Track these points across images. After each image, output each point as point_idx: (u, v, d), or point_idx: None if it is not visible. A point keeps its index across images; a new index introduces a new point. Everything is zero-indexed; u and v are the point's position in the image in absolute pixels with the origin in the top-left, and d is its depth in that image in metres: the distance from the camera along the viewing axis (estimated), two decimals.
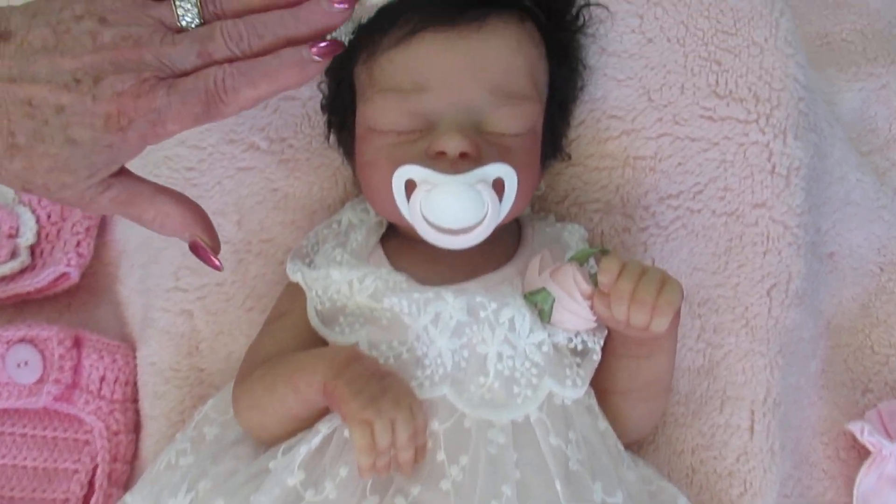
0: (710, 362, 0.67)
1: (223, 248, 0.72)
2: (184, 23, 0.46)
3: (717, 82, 0.67)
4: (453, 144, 0.54)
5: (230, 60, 0.46)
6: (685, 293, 0.55)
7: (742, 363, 0.66)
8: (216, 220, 0.72)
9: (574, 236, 0.64)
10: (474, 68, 0.55)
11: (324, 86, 0.67)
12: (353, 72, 0.61)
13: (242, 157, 0.71)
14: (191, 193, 0.71)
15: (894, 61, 0.84)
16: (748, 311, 0.66)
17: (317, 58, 0.47)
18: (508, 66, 0.56)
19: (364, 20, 0.58)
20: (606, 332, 0.59)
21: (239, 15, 0.47)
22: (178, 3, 0.46)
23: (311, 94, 0.70)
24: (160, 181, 0.72)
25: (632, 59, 0.67)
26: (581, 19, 0.64)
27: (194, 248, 0.51)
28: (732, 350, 0.66)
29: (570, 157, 0.68)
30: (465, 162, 0.54)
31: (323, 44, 0.47)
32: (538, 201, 0.71)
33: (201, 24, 0.47)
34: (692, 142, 0.67)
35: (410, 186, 0.55)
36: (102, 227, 0.78)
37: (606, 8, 0.66)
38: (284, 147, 0.71)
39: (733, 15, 0.67)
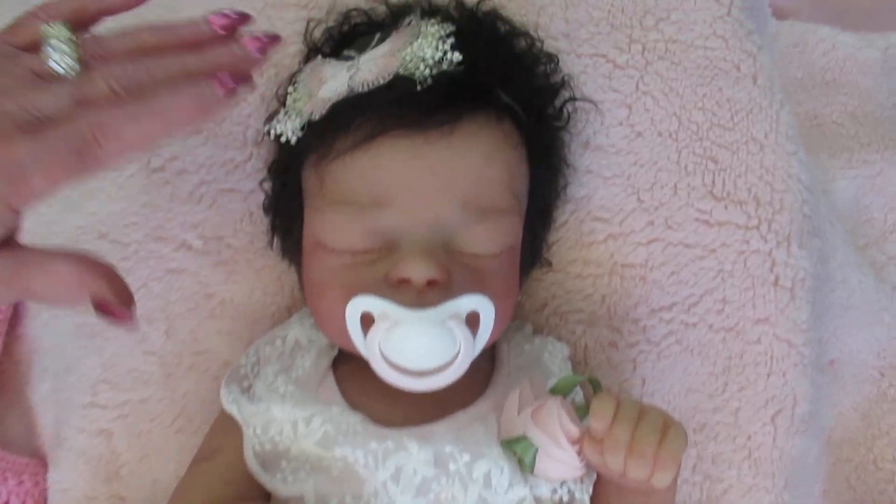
0: (708, 498, 0.59)
1: (148, 359, 0.63)
2: (60, 70, 0.40)
3: (713, 182, 0.60)
4: (419, 271, 0.45)
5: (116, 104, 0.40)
6: (679, 417, 0.47)
7: (745, 500, 0.58)
8: (141, 329, 0.63)
9: (556, 358, 0.56)
10: (444, 179, 0.47)
11: (267, 184, 0.58)
12: (301, 174, 0.52)
13: (172, 256, 0.62)
14: None
15: (888, 146, 0.78)
16: (751, 440, 0.59)
17: (222, 93, 0.40)
18: (483, 176, 0.48)
19: (314, 116, 0.49)
20: (595, 476, 0.50)
21: (128, 57, 0.41)
22: (50, 48, 0.40)
23: (253, 188, 0.61)
24: None
25: (619, 155, 0.60)
26: (565, 114, 0.56)
27: (99, 307, 0.41)
28: (734, 485, 0.59)
29: (550, 265, 0.60)
30: (433, 292, 0.45)
31: (230, 81, 0.40)
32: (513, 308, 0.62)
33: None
34: (686, 248, 0.60)
35: (367, 319, 0.46)
36: (15, 317, 0.67)
37: (591, 100, 0.58)
38: (221, 247, 0.61)
39: (730, 107, 0.60)
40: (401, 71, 0.48)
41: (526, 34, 0.55)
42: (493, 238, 0.48)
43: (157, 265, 0.62)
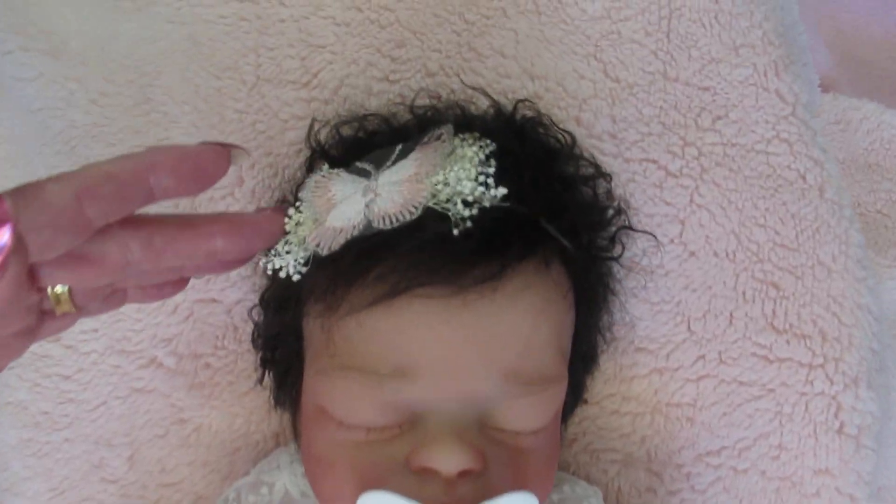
0: None
1: (107, 488, 0.54)
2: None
3: (774, 312, 0.52)
4: (450, 461, 0.37)
5: None
6: None
7: None
8: (99, 453, 0.54)
9: None
10: (483, 348, 0.38)
11: (258, 313, 0.49)
12: (303, 319, 0.43)
13: (139, 375, 0.52)
14: (66, 411, 0.54)
15: None
16: None
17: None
18: (531, 341, 0.39)
19: (322, 250, 0.40)
20: None
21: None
22: None
23: (239, 298, 0.52)
24: (26, 386, 0.54)
25: (669, 278, 0.51)
26: (619, 245, 0.48)
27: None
28: None
29: (585, 401, 0.52)
30: (465, 485, 0.37)
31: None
32: None
33: None
34: (741, 387, 0.52)
35: None
36: None
37: (650, 232, 0.50)
38: (198, 366, 0.52)
39: (795, 224, 0.52)
40: (431, 203, 0.39)
41: (572, 145, 0.46)
42: (539, 412, 0.40)
43: (121, 382, 0.53)
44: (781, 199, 0.52)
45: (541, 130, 0.46)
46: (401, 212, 0.39)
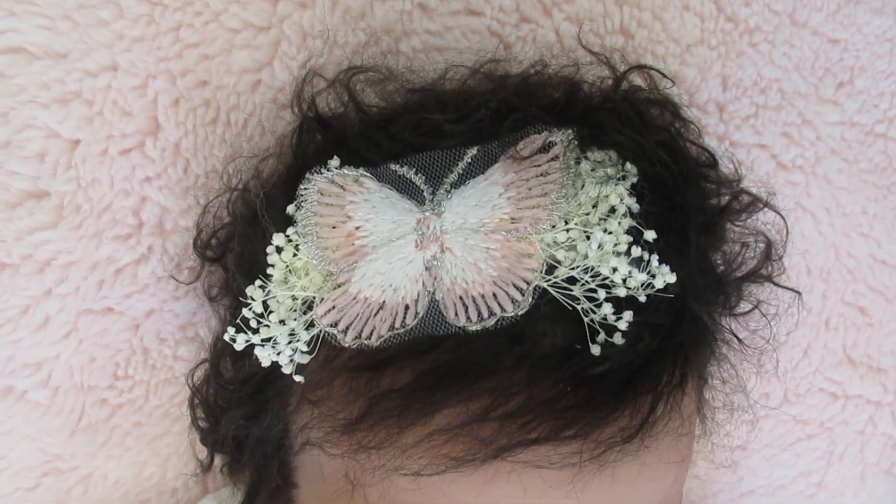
0: None
1: None
2: None
3: (854, 343, 0.42)
4: None
5: None
6: None
7: None
8: None
9: None
10: None
11: (200, 377, 0.31)
12: (296, 439, 0.26)
13: None
14: None
15: None
16: None
17: None
18: (668, 497, 0.26)
19: (346, 336, 0.24)
20: None
21: None
22: None
23: (151, 308, 0.34)
24: None
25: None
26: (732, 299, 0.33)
27: None
28: None
29: None
30: None
31: None
32: None
33: None
34: (797, 425, 0.43)
35: None
36: None
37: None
38: (88, 403, 0.35)
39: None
40: (548, 286, 0.23)
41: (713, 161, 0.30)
42: None
43: None
44: (893, 202, 0.41)
45: (660, 118, 0.30)
46: (494, 296, 0.23)
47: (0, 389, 0.34)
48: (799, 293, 0.36)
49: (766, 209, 0.32)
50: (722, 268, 0.30)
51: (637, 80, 0.32)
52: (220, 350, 0.29)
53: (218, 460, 0.32)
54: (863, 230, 0.41)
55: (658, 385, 0.23)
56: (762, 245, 0.32)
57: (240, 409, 0.27)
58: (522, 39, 0.35)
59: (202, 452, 0.36)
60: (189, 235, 0.33)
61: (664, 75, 0.30)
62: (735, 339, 0.31)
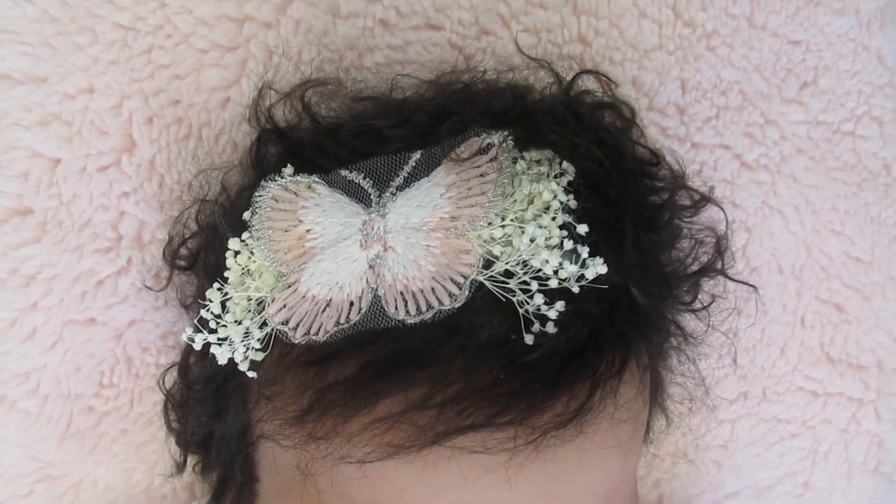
0: None
1: None
2: None
3: (832, 340, 0.42)
4: None
5: None
6: None
7: None
8: None
9: None
10: None
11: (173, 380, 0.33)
12: (255, 433, 0.28)
13: None
14: None
15: None
16: None
17: None
18: (616, 483, 0.27)
19: (296, 333, 0.25)
20: None
21: None
22: None
23: (132, 318, 0.35)
24: None
25: (721, 302, 0.40)
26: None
27: None
28: None
29: None
30: None
31: None
32: None
33: None
34: (779, 424, 0.43)
35: None
36: None
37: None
38: (75, 411, 0.36)
39: (873, 232, 0.41)
40: (484, 280, 0.24)
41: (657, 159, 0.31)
42: None
43: None
44: (864, 199, 0.41)
45: (606, 118, 0.31)
46: (432, 291, 0.24)
47: None
48: (754, 287, 0.36)
49: (712, 205, 0.33)
50: (675, 264, 0.31)
51: (591, 85, 0.33)
52: (186, 352, 0.31)
53: (191, 460, 0.34)
54: (834, 227, 0.41)
55: (595, 373, 0.24)
56: (712, 240, 0.33)
57: (204, 408, 0.29)
58: (482, 51, 0.36)
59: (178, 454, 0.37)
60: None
61: (607, 78, 0.31)
62: (680, 331, 0.31)
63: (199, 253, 0.31)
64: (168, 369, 0.33)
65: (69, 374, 0.35)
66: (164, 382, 0.33)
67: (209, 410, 0.29)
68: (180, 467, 0.34)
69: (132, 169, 0.34)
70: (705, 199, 0.32)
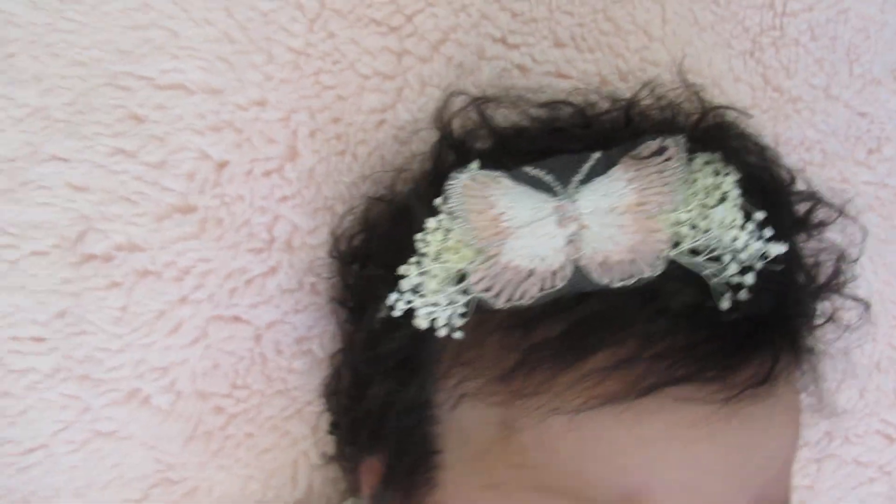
0: None
1: None
2: None
3: None
4: None
5: None
6: None
7: None
8: None
9: None
10: (741, 471, 0.26)
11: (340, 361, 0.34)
12: (440, 397, 0.29)
13: (108, 413, 0.36)
14: None
15: None
16: None
17: None
18: (787, 460, 0.29)
19: (499, 298, 0.27)
20: None
21: None
22: None
23: (274, 319, 0.37)
24: None
25: None
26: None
27: None
28: None
29: None
30: None
31: None
32: None
33: None
34: (858, 468, 0.45)
35: None
36: None
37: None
38: (205, 410, 0.36)
39: None
40: (675, 256, 0.27)
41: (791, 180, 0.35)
42: None
43: (77, 421, 0.36)
44: None
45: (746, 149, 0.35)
46: (634, 261, 0.27)
47: (126, 392, 0.36)
48: (868, 304, 0.39)
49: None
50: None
51: None
52: (370, 325, 0.32)
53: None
54: None
55: (780, 339, 0.27)
56: (833, 258, 0.36)
57: (386, 383, 0.30)
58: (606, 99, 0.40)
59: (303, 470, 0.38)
60: (313, 254, 0.37)
61: (743, 113, 0.35)
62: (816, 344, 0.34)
63: (370, 243, 0.33)
64: (338, 352, 0.34)
65: (206, 372, 0.36)
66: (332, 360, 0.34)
67: (392, 385, 0.30)
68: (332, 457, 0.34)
69: (294, 175, 0.36)
70: (841, 214, 0.36)
